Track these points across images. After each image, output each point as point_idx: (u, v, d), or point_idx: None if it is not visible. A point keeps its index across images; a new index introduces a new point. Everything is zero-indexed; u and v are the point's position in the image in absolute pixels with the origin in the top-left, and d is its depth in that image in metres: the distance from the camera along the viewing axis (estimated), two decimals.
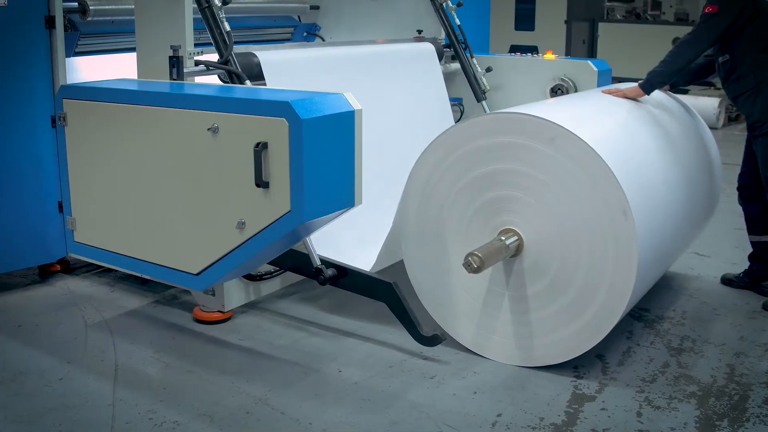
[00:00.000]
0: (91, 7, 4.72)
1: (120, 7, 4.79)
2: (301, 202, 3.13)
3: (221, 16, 4.13)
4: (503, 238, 3.73)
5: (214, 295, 4.23)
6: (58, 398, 3.54)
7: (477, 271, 3.53)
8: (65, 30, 4.70)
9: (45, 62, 4.58)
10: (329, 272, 3.84)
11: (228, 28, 4.13)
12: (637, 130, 4.22)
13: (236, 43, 5.80)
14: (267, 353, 3.97)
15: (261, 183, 3.19)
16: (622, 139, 4.01)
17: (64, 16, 4.71)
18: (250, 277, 4.34)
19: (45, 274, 5.00)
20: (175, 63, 3.91)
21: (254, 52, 4.32)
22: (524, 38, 10.72)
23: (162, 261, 3.67)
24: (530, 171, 3.67)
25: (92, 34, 4.92)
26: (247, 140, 3.21)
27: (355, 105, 3.32)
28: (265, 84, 4.25)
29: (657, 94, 4.68)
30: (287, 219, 3.19)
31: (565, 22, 11.14)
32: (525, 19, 11.33)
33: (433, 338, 3.84)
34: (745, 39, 4.44)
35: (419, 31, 5.76)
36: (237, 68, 4.10)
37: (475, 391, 3.61)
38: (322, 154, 3.18)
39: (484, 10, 7.75)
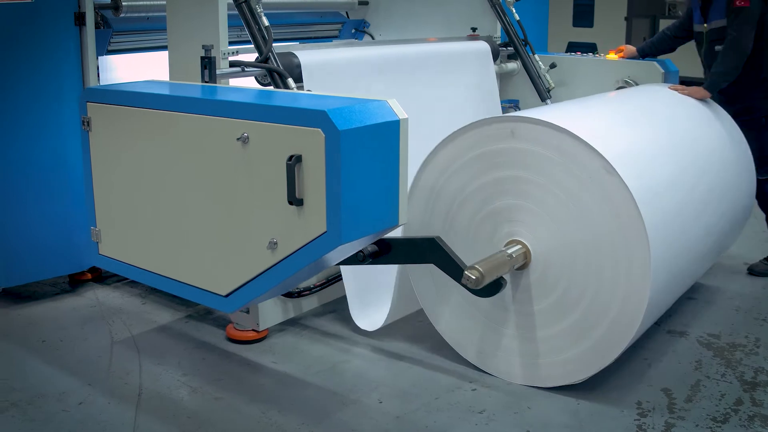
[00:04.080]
0: (123, 3, 4.46)
1: (154, 2, 4.53)
2: (339, 223, 2.81)
3: (259, 10, 3.84)
4: (508, 250, 3.46)
5: (248, 312, 3.95)
6: (75, 425, 3.29)
7: (477, 285, 3.24)
8: (97, 27, 4.47)
9: (75, 61, 4.35)
10: (369, 248, 3.36)
11: (267, 23, 3.84)
12: (658, 139, 3.93)
13: (281, 40, 5.61)
14: (303, 379, 3.66)
15: (294, 200, 2.87)
16: (641, 151, 3.68)
17: (97, 13, 4.48)
18: (288, 294, 4.05)
19: (75, 283, 4.78)
20: (207, 64, 3.62)
21: (294, 53, 4.01)
22: (583, 35, 10.26)
23: (189, 280, 3.38)
24: (539, 179, 3.41)
25: (126, 31, 4.65)
26: (279, 152, 2.89)
27: (401, 114, 2.98)
28: (303, 87, 3.95)
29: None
30: (323, 240, 2.87)
31: (625, 18, 10.65)
32: (584, 15, 10.84)
33: (494, 285, 3.38)
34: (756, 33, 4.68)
35: (473, 29, 5.40)
36: (278, 65, 3.80)
37: (528, 430, 3.27)
38: (363, 168, 2.85)
39: (542, 5, 7.34)
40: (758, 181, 4.74)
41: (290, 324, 4.18)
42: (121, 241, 3.63)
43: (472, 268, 3.24)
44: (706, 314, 4.41)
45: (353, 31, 5.93)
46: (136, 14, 4.56)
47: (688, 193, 3.82)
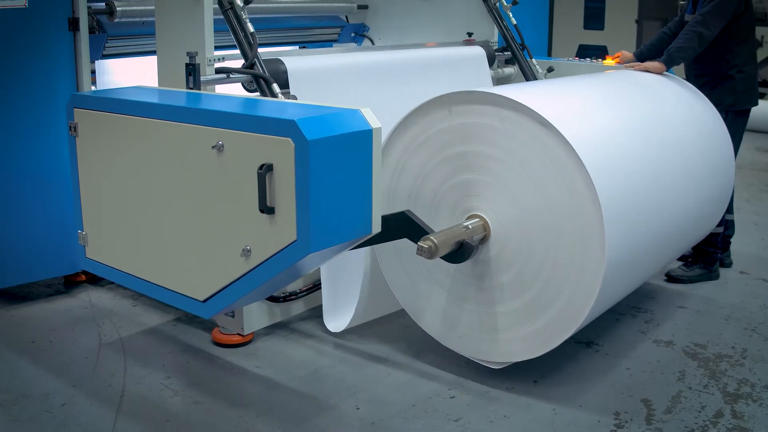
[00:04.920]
0: (118, 9, 4.51)
1: (148, 7, 4.56)
2: (308, 231, 2.83)
3: (244, 17, 3.87)
4: (466, 223, 3.52)
5: (233, 316, 3.98)
6: (56, 426, 3.33)
7: (431, 256, 3.31)
8: (92, 32, 4.52)
9: (69, 66, 4.40)
10: None
11: (252, 29, 3.86)
12: (619, 112, 3.98)
13: (279, 44, 5.65)
14: (284, 384, 3.69)
15: (265, 208, 2.89)
16: (598, 124, 3.71)
17: (92, 18, 4.53)
18: (273, 299, 4.08)
19: (70, 284, 4.83)
20: (192, 71, 3.65)
21: (281, 59, 4.03)
22: (593, 38, 10.19)
23: (170, 285, 3.41)
24: (497, 153, 3.47)
25: (121, 36, 4.70)
26: (252, 160, 2.91)
27: (374, 123, 3.00)
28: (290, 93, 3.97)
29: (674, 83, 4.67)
30: (293, 249, 2.89)
31: (636, 21, 10.57)
32: (594, 17, 10.77)
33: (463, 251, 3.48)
34: (730, 28, 4.80)
35: (469, 34, 5.40)
36: (263, 71, 3.82)
37: None
38: (333, 177, 2.87)
39: (542, 10, 7.29)
40: None
41: (276, 327, 4.21)
42: (106, 245, 3.67)
43: (425, 238, 3.31)
44: (694, 323, 4.39)
45: (352, 35, 5.94)
46: (130, 19, 4.60)
47: (651, 169, 3.78)
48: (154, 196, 3.36)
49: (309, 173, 2.78)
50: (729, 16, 4.73)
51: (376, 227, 3.09)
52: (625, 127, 3.85)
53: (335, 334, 4.13)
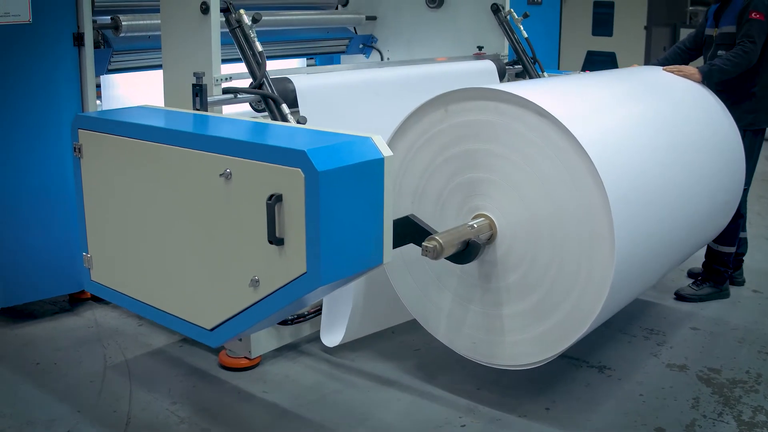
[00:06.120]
0: (123, 23, 4.44)
1: (155, 22, 4.49)
2: (318, 264, 2.77)
3: (252, 36, 3.80)
4: (473, 223, 3.45)
5: (240, 339, 3.92)
6: None
7: (437, 256, 3.25)
8: (98, 47, 4.45)
9: (74, 82, 4.35)
10: None
11: (260, 48, 3.79)
12: (630, 110, 3.90)
13: (287, 57, 5.58)
14: (291, 410, 3.63)
15: (274, 239, 2.83)
16: (609, 122, 3.63)
17: (98, 32, 4.47)
18: (281, 321, 4.01)
19: (75, 301, 4.78)
20: (198, 92, 3.58)
21: (289, 77, 3.96)
22: (602, 44, 10.07)
23: (176, 312, 3.35)
24: (505, 152, 3.39)
25: (127, 50, 4.62)
26: (261, 190, 2.85)
27: (385, 151, 2.93)
28: (299, 112, 3.91)
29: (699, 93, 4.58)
30: (303, 281, 2.82)
31: (645, 27, 10.45)
32: (603, 23, 10.63)
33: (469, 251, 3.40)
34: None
35: (480, 48, 5.33)
36: (272, 91, 3.75)
37: None
38: (344, 208, 2.81)
39: (553, 23, 7.18)
40: None
41: (284, 349, 4.15)
42: (111, 268, 3.61)
43: (430, 238, 3.25)
44: (708, 346, 4.32)
45: (361, 46, 5.86)
46: (136, 33, 4.53)
47: (661, 170, 3.70)
48: (161, 222, 3.30)
49: (319, 205, 2.72)
50: (765, 37, 4.70)
51: (388, 256, 3.02)
52: (636, 125, 3.77)
53: (342, 358, 4.07)
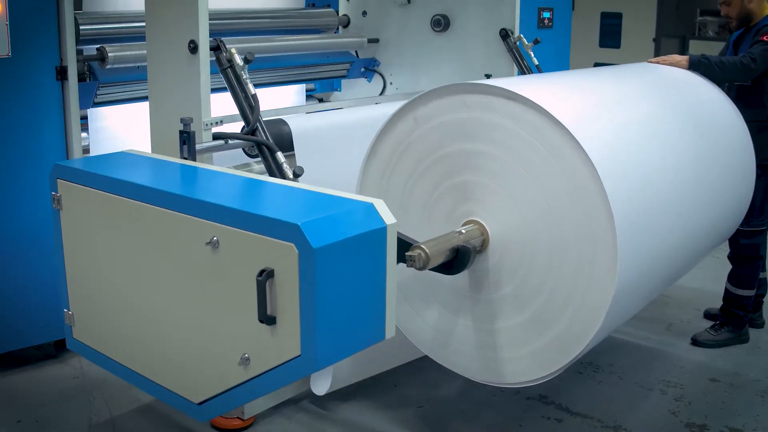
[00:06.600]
0: (110, 54, 4.19)
1: (142, 52, 4.22)
2: (314, 347, 2.52)
3: (245, 77, 3.54)
4: (462, 230, 3.12)
5: None
6: None
7: (423, 266, 2.90)
8: (83, 79, 4.21)
9: (57, 119, 4.12)
10: None
11: (254, 90, 3.53)
12: (634, 108, 3.58)
13: (286, 83, 5.33)
14: None
15: (265, 319, 2.58)
16: (611, 121, 3.31)
17: (83, 64, 4.23)
18: None
19: (60, 345, 4.53)
20: (186, 139, 3.33)
21: (284, 119, 3.72)
22: (609, 56, 9.74)
23: (162, 381, 3.11)
24: (498, 153, 3.07)
25: (114, 82, 4.37)
26: (251, 263, 2.60)
27: (388, 218, 2.67)
28: (295, 156, 3.67)
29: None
30: (297, 364, 2.58)
31: (654, 39, 10.14)
32: (610, 35, 10.30)
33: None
34: None
35: (488, 76, 5.05)
36: (266, 137, 3.49)
37: None
38: (342, 285, 2.56)
39: (563, 45, 6.90)
40: (737, 230, 4.43)
41: (278, 408, 3.90)
42: (94, 328, 3.36)
43: (414, 247, 2.92)
44: (728, 401, 4.07)
45: (362, 70, 5.60)
46: (123, 65, 4.29)
47: (668, 177, 3.39)
48: (145, 284, 3.05)
49: (315, 283, 2.46)
50: None
51: (391, 331, 2.77)
52: (640, 125, 3.48)
53: (339, 414, 3.83)
